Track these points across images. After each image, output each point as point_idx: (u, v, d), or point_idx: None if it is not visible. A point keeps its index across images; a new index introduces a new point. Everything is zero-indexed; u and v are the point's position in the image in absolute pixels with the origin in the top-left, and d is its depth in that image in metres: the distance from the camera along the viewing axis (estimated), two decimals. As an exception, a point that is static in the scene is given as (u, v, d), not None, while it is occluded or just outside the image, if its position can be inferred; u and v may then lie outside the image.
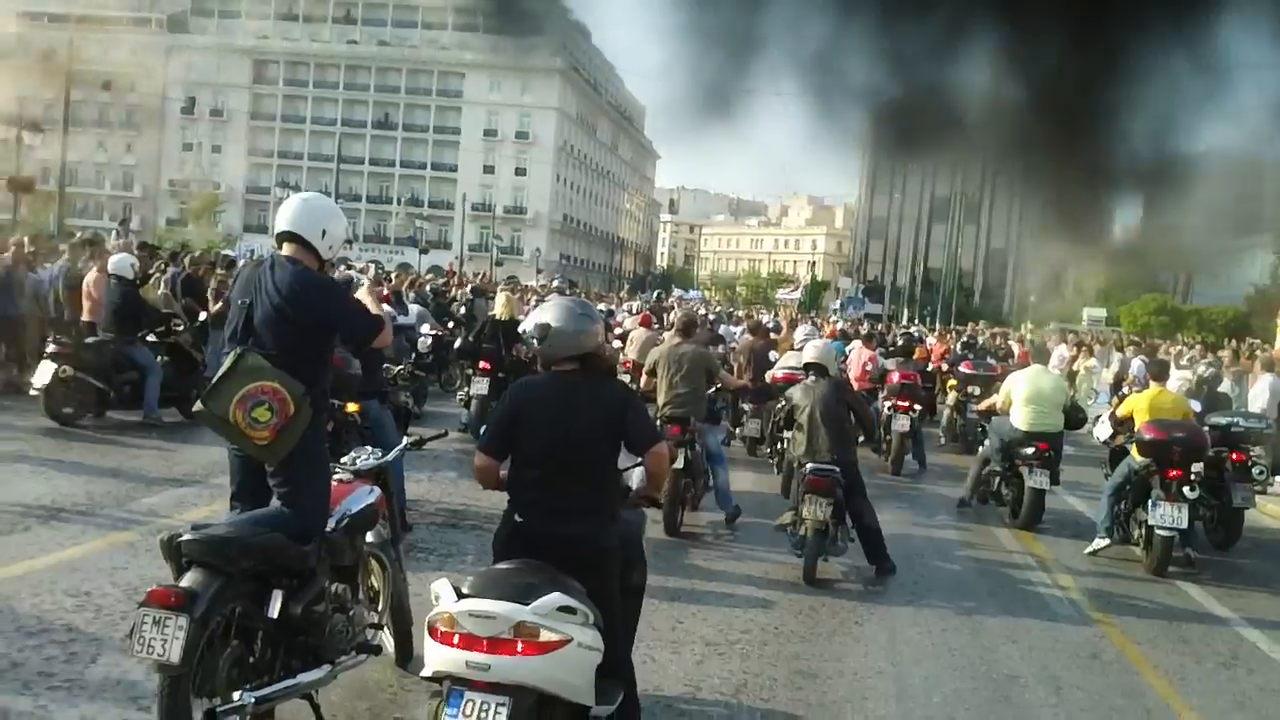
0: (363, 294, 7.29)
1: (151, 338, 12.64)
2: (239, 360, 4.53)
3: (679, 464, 9.27)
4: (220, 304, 14.29)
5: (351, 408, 8.46)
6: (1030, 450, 10.90)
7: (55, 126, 44.45)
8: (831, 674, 6.29)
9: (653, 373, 10.06)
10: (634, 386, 10.08)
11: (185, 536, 4.18)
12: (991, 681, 6.46)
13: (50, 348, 11.65)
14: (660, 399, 9.84)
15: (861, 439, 9.40)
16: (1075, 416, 11.68)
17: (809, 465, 8.54)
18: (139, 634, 3.92)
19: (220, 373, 4.53)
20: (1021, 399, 11.12)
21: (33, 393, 11.71)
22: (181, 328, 13.25)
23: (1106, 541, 10.03)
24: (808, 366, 9.30)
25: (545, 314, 4.56)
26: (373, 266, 26.21)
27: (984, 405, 13.15)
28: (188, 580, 4.09)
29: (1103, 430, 12.31)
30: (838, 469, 8.50)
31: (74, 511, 8.30)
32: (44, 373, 11.46)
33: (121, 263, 12.64)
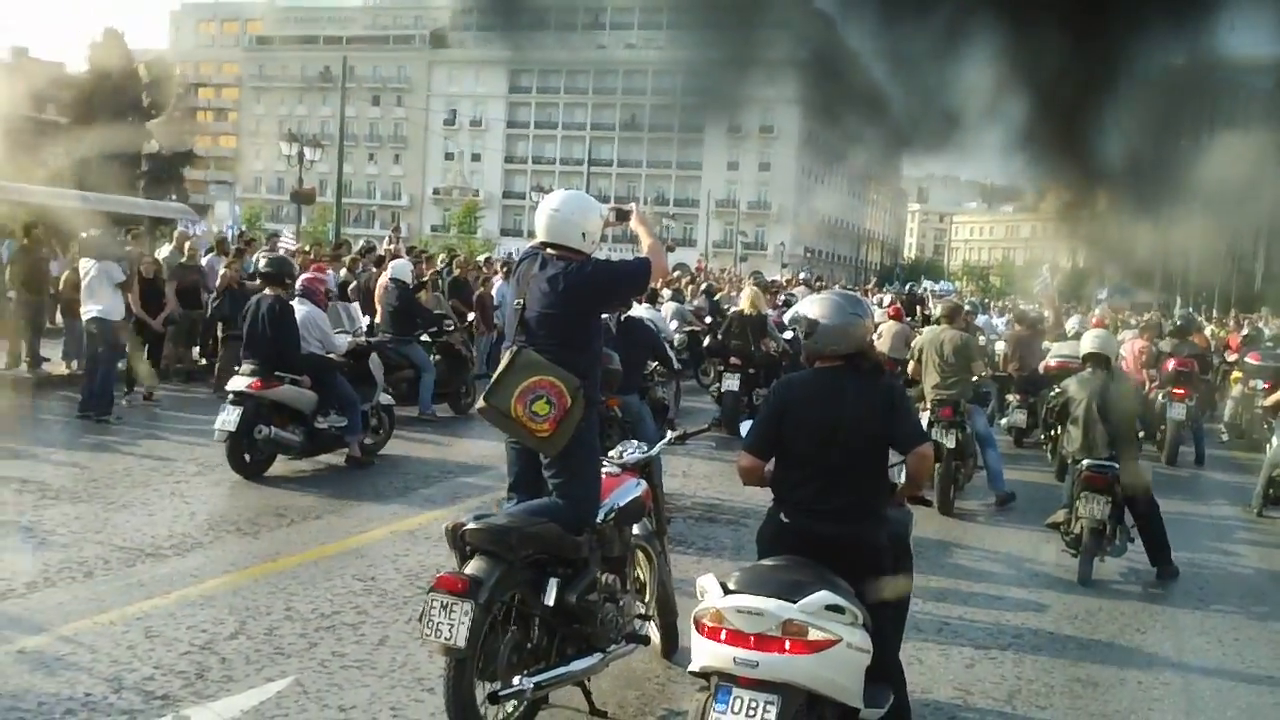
0: None
1: (425, 338, 13.33)
2: (516, 357, 4.70)
3: (951, 444, 9.59)
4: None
5: (612, 403, 8.65)
6: None
7: (331, 142, 47.78)
8: (1113, 682, 5.94)
9: (917, 359, 10.32)
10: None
11: (469, 525, 4.37)
12: (1294, 698, 5.95)
13: None
14: (928, 383, 10.08)
15: (1142, 435, 8.91)
16: None
17: (1085, 461, 8.10)
18: (428, 618, 4.13)
19: (499, 370, 4.71)
20: None
21: None
22: (452, 328, 13.94)
23: None
24: (1086, 357, 8.72)
25: (812, 308, 4.49)
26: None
27: (1272, 400, 12.17)
28: (472, 568, 4.28)
29: None
30: (1116, 465, 7.99)
31: (359, 501, 8.88)
32: None
33: (402, 268, 13.45)
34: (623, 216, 5.25)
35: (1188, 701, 5.79)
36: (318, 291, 10.45)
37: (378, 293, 15.05)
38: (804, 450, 4.38)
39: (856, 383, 4.40)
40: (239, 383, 9.49)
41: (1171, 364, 13.70)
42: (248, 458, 9.40)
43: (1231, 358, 17.72)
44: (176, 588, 6.33)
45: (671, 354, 10.34)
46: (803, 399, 4.45)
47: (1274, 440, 11.06)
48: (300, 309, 9.99)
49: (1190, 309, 22.93)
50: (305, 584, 6.58)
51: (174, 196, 29.57)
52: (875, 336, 13.68)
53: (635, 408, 9.01)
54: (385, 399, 11.01)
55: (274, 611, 6.04)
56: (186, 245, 15.37)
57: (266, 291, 9.91)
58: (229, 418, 9.23)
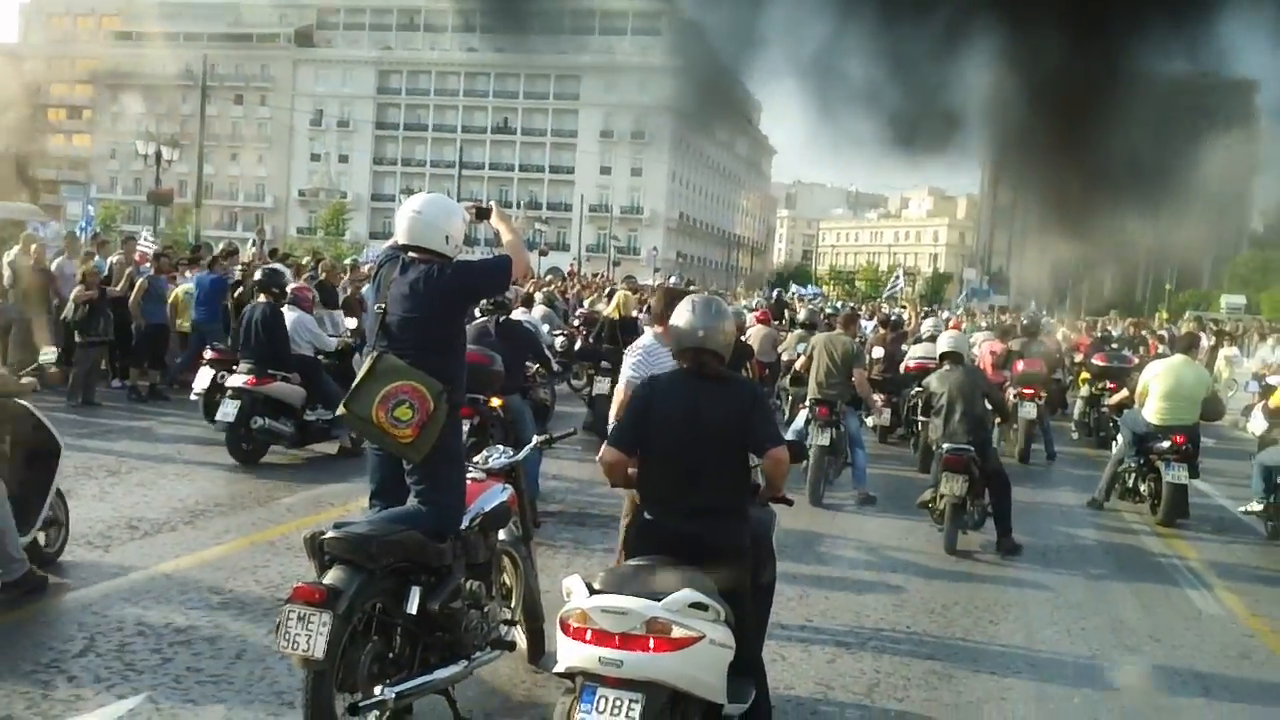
0: None
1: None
2: (376, 362, 4.63)
3: (825, 441, 10.42)
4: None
5: (495, 403, 8.99)
6: (1166, 444, 10.57)
7: (192, 141, 46.37)
8: (967, 674, 6.15)
9: (810, 357, 11.11)
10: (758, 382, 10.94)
11: (328, 534, 4.28)
12: (1132, 684, 6.23)
13: (208, 354, 12.21)
14: (811, 381, 10.86)
15: (999, 421, 10.51)
16: (1213, 408, 11.18)
17: (946, 446, 9.13)
18: (284, 630, 4.03)
19: (360, 376, 4.64)
20: (1160, 393, 10.72)
21: (193, 397, 12.21)
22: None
23: (1260, 506, 9.98)
24: (944, 356, 9.86)
25: (677, 311, 4.58)
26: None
27: (1117, 399, 12.91)
28: (330, 577, 4.19)
29: (1257, 424, 11.92)
30: (973, 448, 9.01)
31: (217, 512, 8.62)
32: (203, 378, 11.97)
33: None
34: (482, 215, 5.24)
35: (1038, 690, 6.04)
36: (305, 299, 11.76)
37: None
38: (665, 448, 4.44)
39: (717, 384, 4.47)
40: (237, 380, 10.60)
41: (1021, 365, 14.24)
42: (245, 446, 10.55)
43: (1079, 358, 18.51)
44: (21, 604, 6.06)
45: (550, 356, 10.90)
46: (665, 397, 4.51)
47: (1119, 438, 11.61)
48: (290, 314, 11.16)
49: (1042, 312, 23.87)
50: (159, 598, 6.37)
51: (24, 197, 28.28)
52: (745, 338, 14.11)
53: (517, 407, 9.34)
54: None
55: (125, 627, 5.83)
56: (34, 248, 14.71)
57: (261, 299, 11.02)
58: (228, 410, 10.40)
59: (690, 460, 4.37)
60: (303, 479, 10.14)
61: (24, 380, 6.70)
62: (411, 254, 4.85)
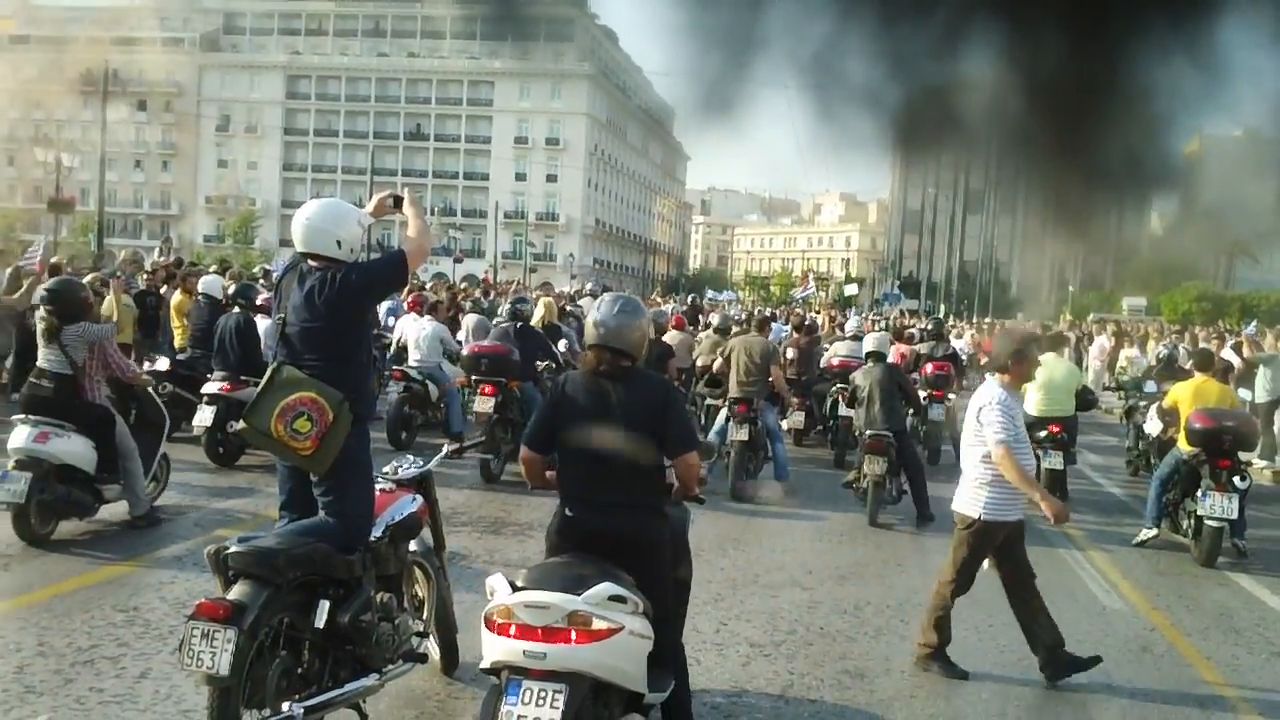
0: None
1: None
2: (275, 374, 4.57)
3: (744, 436, 11.15)
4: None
5: (513, 385, 11.34)
6: (1043, 434, 11.23)
7: (93, 148, 45.12)
8: (879, 672, 6.25)
9: (726, 359, 11.80)
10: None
11: (232, 549, 4.20)
12: (1042, 677, 6.38)
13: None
14: (731, 380, 11.57)
15: (911, 412, 11.96)
16: (1086, 399, 12.27)
17: (868, 432, 10.39)
18: (188, 647, 3.96)
19: (259, 389, 4.58)
20: (1035, 386, 11.28)
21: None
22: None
23: (1154, 532, 10.03)
24: (868, 354, 11.24)
25: (592, 310, 4.68)
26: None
27: None
28: (235, 592, 4.12)
29: (1153, 425, 12.38)
30: (890, 434, 10.22)
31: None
32: None
33: (212, 283, 13.01)
34: (399, 203, 5.24)
35: (947, 687, 6.14)
36: None
37: (175, 308, 14.46)
38: (579, 445, 4.49)
39: (630, 382, 4.53)
40: (212, 387, 11.05)
41: (930, 368, 14.57)
42: (221, 449, 11.05)
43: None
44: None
45: (558, 353, 13.03)
46: (577, 395, 4.57)
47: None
48: (264, 322, 11.43)
49: (947, 315, 24.36)
50: (60, 617, 6.19)
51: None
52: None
53: (530, 391, 11.53)
54: None
55: (25, 648, 5.65)
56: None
57: (235, 310, 11.59)
58: (205, 416, 10.92)
59: (602, 457, 4.43)
60: (211, 494, 9.92)
61: (144, 376, 9.12)
62: (310, 262, 4.80)
